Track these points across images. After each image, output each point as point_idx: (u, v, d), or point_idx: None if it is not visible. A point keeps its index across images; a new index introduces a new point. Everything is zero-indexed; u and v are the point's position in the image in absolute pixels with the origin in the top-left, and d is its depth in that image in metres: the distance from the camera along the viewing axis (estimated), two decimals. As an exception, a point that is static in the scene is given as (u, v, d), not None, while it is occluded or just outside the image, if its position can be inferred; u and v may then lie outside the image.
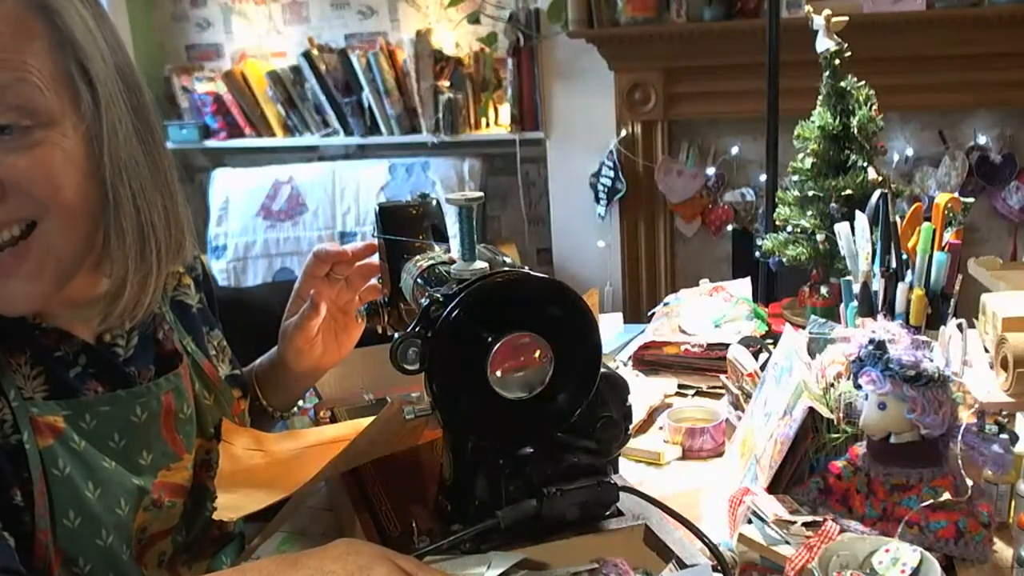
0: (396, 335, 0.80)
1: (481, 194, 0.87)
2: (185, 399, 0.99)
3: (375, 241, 1.13)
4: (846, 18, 1.55)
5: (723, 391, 1.34)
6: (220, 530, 1.05)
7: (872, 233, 1.29)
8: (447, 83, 3.52)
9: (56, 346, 0.90)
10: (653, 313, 1.63)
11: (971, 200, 1.38)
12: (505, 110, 3.57)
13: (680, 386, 1.43)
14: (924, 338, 0.97)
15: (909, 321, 1.19)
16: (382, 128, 3.62)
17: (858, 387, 0.96)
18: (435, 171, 3.56)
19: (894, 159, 3.18)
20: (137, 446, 0.93)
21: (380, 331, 1.16)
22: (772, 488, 0.99)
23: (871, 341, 0.94)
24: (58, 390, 0.88)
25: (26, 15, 0.78)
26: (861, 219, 1.29)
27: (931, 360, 0.92)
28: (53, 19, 0.79)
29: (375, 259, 1.16)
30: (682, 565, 0.83)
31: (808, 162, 1.58)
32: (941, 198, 1.25)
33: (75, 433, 0.87)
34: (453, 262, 0.88)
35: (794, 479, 1.01)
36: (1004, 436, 0.99)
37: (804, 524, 0.88)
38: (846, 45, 1.54)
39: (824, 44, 1.54)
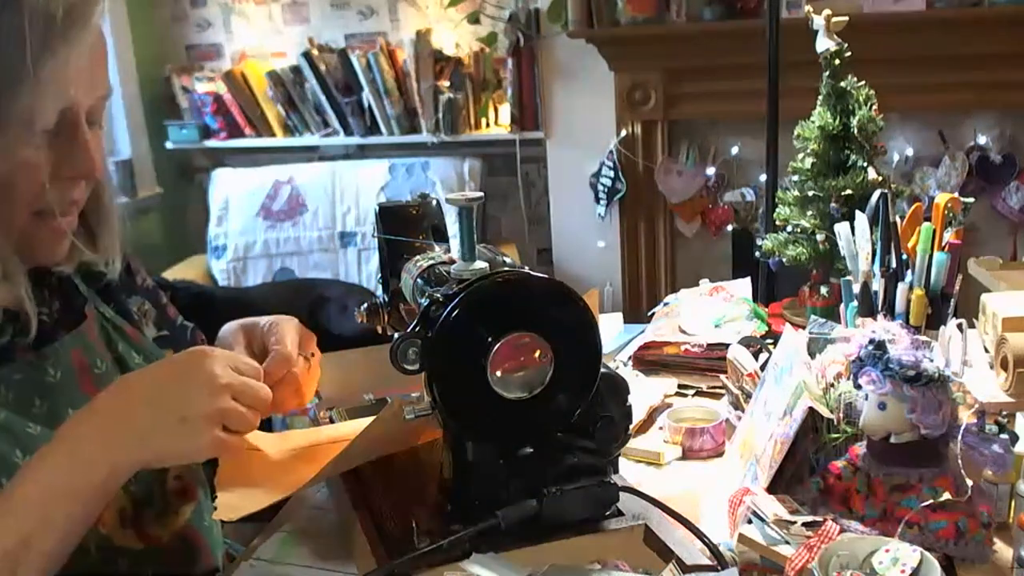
0: (396, 335, 0.80)
1: (481, 194, 0.87)
2: (97, 354, 1.01)
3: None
4: (846, 18, 1.54)
5: (723, 391, 1.34)
6: (179, 480, 1.04)
7: (872, 233, 1.28)
8: (447, 83, 3.52)
9: None
10: (653, 313, 1.63)
11: (971, 200, 1.38)
12: (505, 110, 3.57)
13: (680, 386, 1.43)
14: (924, 338, 0.97)
15: (909, 321, 1.18)
16: (382, 128, 3.62)
17: (858, 387, 0.96)
18: (435, 171, 3.56)
19: (894, 159, 3.18)
20: (61, 406, 0.94)
21: (380, 331, 1.16)
22: (772, 488, 0.99)
23: (871, 341, 0.94)
24: None
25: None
26: (861, 219, 1.29)
27: (931, 360, 0.92)
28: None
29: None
30: (682, 565, 0.83)
31: (808, 162, 1.58)
32: (941, 198, 1.24)
33: None
34: (453, 262, 0.88)
35: (794, 479, 1.01)
36: (1004, 436, 0.99)
37: (804, 524, 0.88)
38: (846, 45, 1.54)
39: (824, 44, 1.54)
